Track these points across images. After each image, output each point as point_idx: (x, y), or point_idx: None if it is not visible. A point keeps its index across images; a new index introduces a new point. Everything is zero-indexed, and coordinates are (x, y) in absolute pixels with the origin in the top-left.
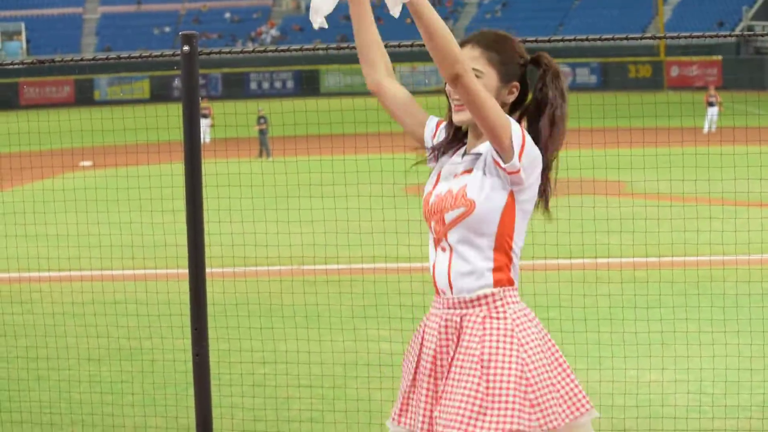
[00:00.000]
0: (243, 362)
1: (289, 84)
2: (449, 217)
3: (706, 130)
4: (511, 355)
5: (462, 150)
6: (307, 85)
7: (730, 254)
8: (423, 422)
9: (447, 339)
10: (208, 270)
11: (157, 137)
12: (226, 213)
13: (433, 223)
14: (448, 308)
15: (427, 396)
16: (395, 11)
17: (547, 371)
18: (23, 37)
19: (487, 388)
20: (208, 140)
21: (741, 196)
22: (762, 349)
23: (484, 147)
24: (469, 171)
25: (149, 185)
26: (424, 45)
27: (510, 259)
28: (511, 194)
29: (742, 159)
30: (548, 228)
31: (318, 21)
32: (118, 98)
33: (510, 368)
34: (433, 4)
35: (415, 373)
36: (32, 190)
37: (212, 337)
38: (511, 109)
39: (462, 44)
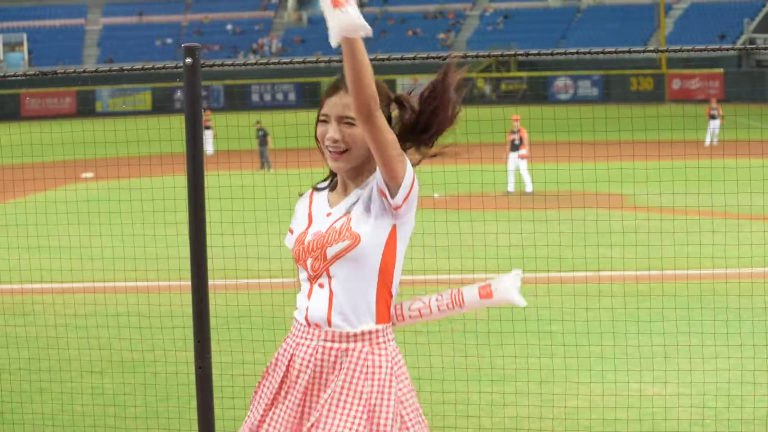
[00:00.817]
0: (245, 375)
1: (291, 96)
2: (332, 251)
3: (708, 143)
4: (391, 393)
5: (325, 195)
6: (309, 98)
7: (733, 267)
8: None
9: (322, 370)
10: (210, 282)
11: (159, 149)
12: (229, 225)
13: (310, 261)
14: (325, 340)
15: (289, 423)
16: (333, 42)
17: (416, 411)
18: (25, 48)
19: (371, 423)
20: (211, 151)
21: (743, 210)
22: (765, 363)
23: (359, 190)
24: (348, 212)
25: (152, 197)
26: (425, 58)
27: (390, 295)
28: (394, 228)
29: (744, 172)
30: (551, 241)
31: None
32: (120, 110)
33: (390, 406)
34: (435, 17)
35: (274, 400)
36: (34, 201)
37: (215, 349)
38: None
39: (333, 91)
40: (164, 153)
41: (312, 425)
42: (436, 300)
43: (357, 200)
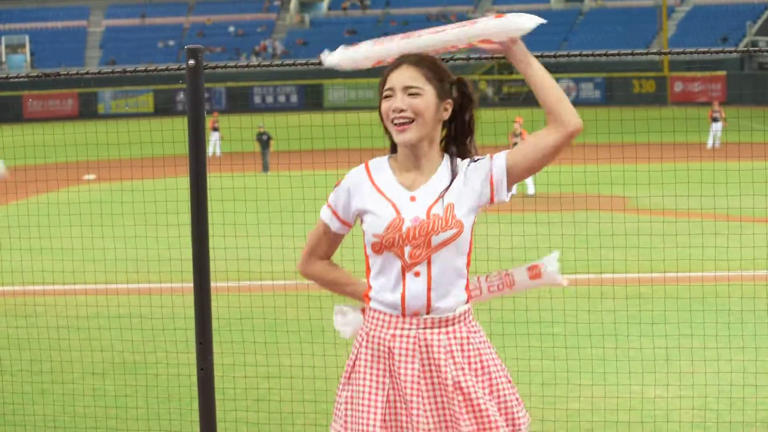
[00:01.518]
0: (247, 377)
1: (293, 98)
2: (438, 239)
3: (710, 145)
4: (501, 363)
5: (390, 176)
6: (311, 100)
7: (735, 270)
8: None
9: (430, 358)
10: (212, 284)
11: (161, 151)
12: (231, 227)
13: (408, 249)
14: (425, 327)
15: (419, 415)
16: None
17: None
18: (27, 50)
19: (499, 397)
20: (219, 153)
21: (746, 212)
22: (766, 365)
23: (443, 170)
24: (441, 195)
25: (154, 199)
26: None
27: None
28: (474, 217)
29: (747, 174)
30: (553, 243)
31: (348, 333)
32: (122, 112)
33: (506, 374)
34: (437, 19)
35: (388, 395)
36: (36, 203)
37: (216, 351)
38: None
39: (395, 66)
40: (167, 155)
41: (441, 415)
42: (486, 281)
43: (449, 184)
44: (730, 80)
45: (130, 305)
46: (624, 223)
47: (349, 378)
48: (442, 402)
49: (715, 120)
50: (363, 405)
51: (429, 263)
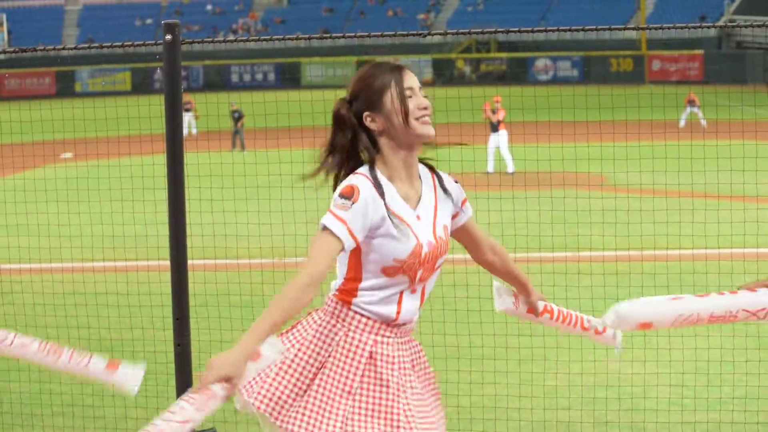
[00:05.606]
0: None
1: (271, 76)
2: (441, 260)
3: (682, 124)
4: None
5: (392, 190)
6: (289, 77)
7: (713, 247)
8: None
9: (413, 362)
10: (189, 261)
11: (138, 129)
12: (208, 204)
13: (420, 271)
14: (402, 336)
15: (410, 410)
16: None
17: None
18: (5, 28)
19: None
20: (195, 132)
21: (723, 189)
22: (743, 342)
23: (438, 186)
24: (435, 214)
25: (131, 175)
26: (405, 35)
27: None
28: None
29: (724, 151)
30: (531, 220)
31: None
32: (100, 90)
33: None
34: None
35: (356, 396)
36: (13, 181)
37: (193, 328)
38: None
39: (402, 69)
40: (144, 132)
41: (429, 414)
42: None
43: (434, 201)
44: (707, 59)
45: (107, 282)
46: (602, 200)
47: (315, 374)
48: (424, 398)
49: (692, 104)
50: (326, 411)
51: (424, 282)
